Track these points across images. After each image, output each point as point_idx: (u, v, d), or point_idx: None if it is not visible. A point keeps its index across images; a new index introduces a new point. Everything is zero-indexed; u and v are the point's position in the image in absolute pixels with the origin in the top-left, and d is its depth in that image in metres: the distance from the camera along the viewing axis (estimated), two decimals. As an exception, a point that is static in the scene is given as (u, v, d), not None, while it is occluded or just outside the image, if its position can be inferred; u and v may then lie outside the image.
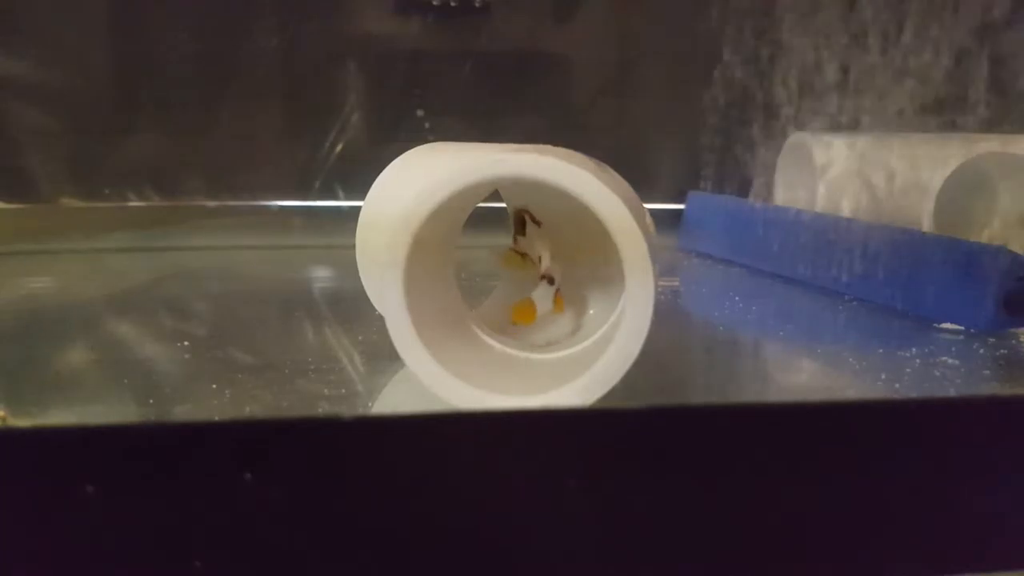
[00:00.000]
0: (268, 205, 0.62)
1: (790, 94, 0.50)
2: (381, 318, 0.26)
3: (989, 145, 0.50)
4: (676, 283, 0.52)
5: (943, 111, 0.49)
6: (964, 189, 0.51)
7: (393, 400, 0.31)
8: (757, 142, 0.56)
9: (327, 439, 0.21)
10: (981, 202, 0.53)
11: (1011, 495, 0.24)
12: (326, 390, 0.30)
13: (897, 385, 0.31)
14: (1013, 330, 0.37)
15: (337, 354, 0.36)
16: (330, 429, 0.21)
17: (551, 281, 0.30)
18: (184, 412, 0.28)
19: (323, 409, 0.28)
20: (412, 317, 0.25)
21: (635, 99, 0.67)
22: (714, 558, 0.23)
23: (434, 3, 0.61)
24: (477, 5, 0.62)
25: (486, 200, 0.30)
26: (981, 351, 0.36)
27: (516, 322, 0.31)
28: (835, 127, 0.53)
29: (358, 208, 0.34)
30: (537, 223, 0.32)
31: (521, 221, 0.32)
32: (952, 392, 0.31)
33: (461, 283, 0.30)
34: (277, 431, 0.21)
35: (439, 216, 0.25)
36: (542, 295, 0.30)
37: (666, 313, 0.42)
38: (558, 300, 0.31)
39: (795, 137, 0.56)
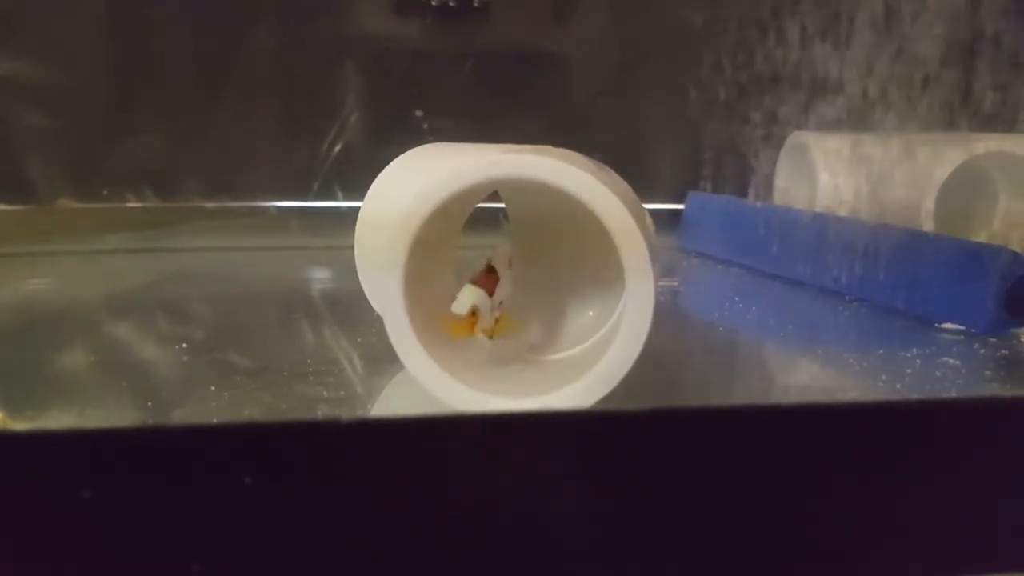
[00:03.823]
0: (267, 206, 0.62)
1: (790, 94, 0.50)
2: (380, 319, 0.26)
3: (989, 145, 0.50)
4: (676, 283, 0.52)
5: (943, 111, 0.49)
6: (964, 189, 0.51)
7: (392, 403, 0.30)
8: (757, 142, 0.56)
9: (326, 442, 0.21)
10: (981, 202, 0.53)
11: (1012, 495, 0.24)
12: (325, 393, 0.30)
13: (898, 386, 0.31)
14: (1014, 330, 0.37)
15: (336, 356, 0.36)
16: (329, 432, 0.21)
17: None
18: (182, 415, 0.28)
19: (322, 412, 0.28)
20: (411, 319, 0.25)
21: (635, 99, 0.66)
22: (715, 559, 0.23)
23: (433, 3, 0.61)
24: (476, 5, 0.62)
25: (485, 201, 0.30)
26: (982, 351, 0.35)
27: (453, 334, 0.27)
28: (835, 127, 0.53)
29: (357, 209, 0.34)
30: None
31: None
32: (953, 393, 0.31)
33: (461, 284, 0.30)
34: (276, 434, 0.21)
35: (438, 217, 0.25)
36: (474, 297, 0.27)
37: (666, 314, 0.42)
38: (503, 318, 0.28)
39: (795, 137, 0.56)
